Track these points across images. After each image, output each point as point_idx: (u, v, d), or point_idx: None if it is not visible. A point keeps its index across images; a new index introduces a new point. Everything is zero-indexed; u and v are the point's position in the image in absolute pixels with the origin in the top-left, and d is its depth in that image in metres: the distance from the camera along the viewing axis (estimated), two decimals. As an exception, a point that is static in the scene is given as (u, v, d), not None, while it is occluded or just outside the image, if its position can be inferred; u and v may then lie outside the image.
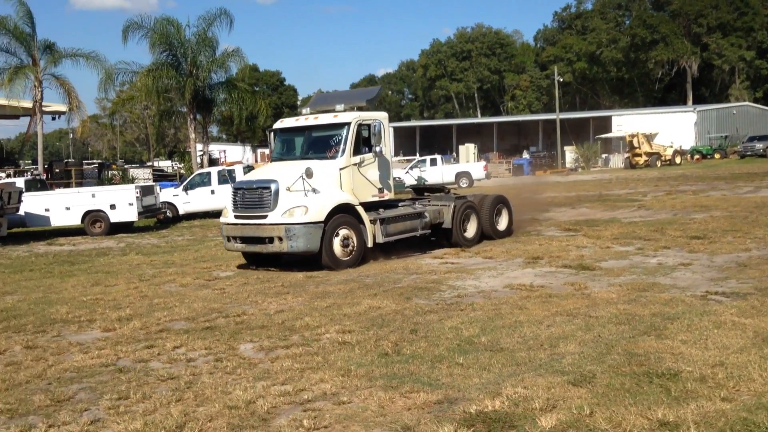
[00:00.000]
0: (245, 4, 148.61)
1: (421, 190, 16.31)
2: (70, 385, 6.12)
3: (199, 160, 33.79)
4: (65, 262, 15.55)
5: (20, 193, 21.24)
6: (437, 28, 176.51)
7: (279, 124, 14.16)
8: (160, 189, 25.41)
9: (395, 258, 13.04)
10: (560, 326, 7.18)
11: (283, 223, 12.01)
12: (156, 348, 7.26)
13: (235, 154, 56.43)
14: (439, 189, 16.10)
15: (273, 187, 12.27)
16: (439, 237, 14.37)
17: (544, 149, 66.34)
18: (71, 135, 67.16)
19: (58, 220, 22.03)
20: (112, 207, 21.68)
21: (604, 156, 59.66)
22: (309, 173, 12.12)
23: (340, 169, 12.70)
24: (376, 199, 13.29)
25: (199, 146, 34.74)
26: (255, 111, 34.67)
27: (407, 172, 38.17)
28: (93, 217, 21.80)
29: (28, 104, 32.13)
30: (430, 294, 9.46)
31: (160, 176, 41.74)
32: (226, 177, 25.15)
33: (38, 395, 5.79)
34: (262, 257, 12.85)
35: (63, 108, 34.53)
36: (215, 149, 50.56)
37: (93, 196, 22.27)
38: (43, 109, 32.78)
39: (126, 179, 38.94)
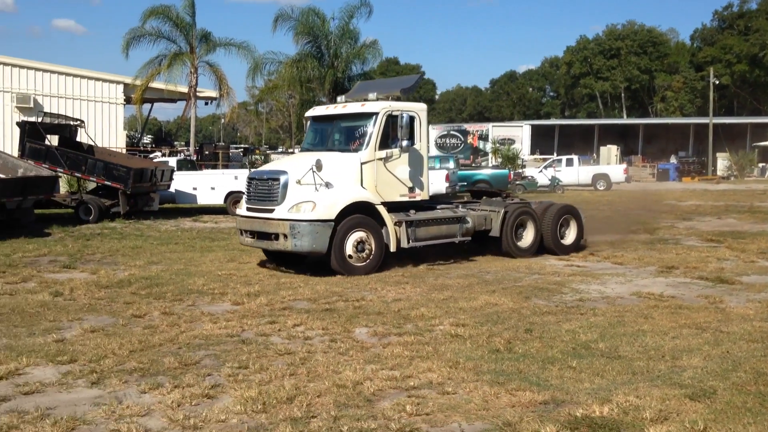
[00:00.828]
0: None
1: (480, 193, 14.98)
2: (198, 351, 6.55)
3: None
4: (206, 238, 16.59)
5: (172, 171, 22.87)
6: (585, 25, 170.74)
7: (310, 112, 13.19)
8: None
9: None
10: (686, 339, 6.80)
11: (288, 219, 10.91)
12: (277, 324, 7.61)
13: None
14: (497, 193, 14.64)
15: (282, 179, 11.23)
16: (489, 245, 13.11)
17: (693, 155, 62.46)
18: (222, 120, 71.31)
19: (203, 199, 23.53)
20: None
21: (761, 165, 55.27)
22: (319, 165, 10.99)
23: (362, 163, 11.45)
24: (406, 199, 11.94)
25: (337, 135, 35.79)
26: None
27: (540, 171, 37.32)
28: (235, 197, 23.04)
29: (185, 89, 34.43)
30: (551, 295, 9.25)
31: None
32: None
33: (168, 358, 6.25)
34: (283, 255, 11.80)
35: (215, 94, 36.73)
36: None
37: (236, 178, 23.55)
38: (197, 94, 35.02)
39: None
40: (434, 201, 13.32)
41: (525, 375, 5.72)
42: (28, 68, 30.47)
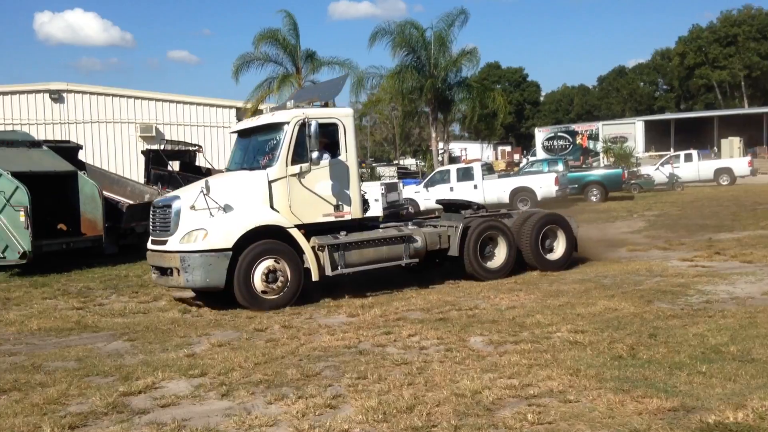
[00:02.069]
0: (486, 2, 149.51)
1: (452, 206, 12.99)
2: (318, 362, 6.75)
3: (440, 158, 34.87)
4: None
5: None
6: (696, 13, 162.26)
7: (233, 126, 11.85)
8: (403, 186, 26.71)
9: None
10: (830, 341, 6.31)
11: (179, 251, 9.74)
12: (393, 334, 7.70)
13: (476, 151, 57.26)
14: (467, 205, 12.63)
15: (174, 205, 10.08)
16: (454, 266, 11.57)
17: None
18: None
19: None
20: (361, 203, 23.23)
21: None
22: (208, 187, 9.78)
23: (271, 181, 10.15)
24: (331, 219, 10.51)
25: (441, 144, 35.84)
26: (494, 108, 34.89)
27: (657, 168, 35.73)
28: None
29: (292, 109, 35.57)
30: (675, 298, 8.84)
31: (405, 174, 43.84)
32: (464, 174, 25.73)
33: (291, 369, 6.47)
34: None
35: (320, 112, 37.73)
36: (456, 147, 51.78)
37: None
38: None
39: (373, 176, 41.47)
40: (374, 220, 12.22)
41: (651, 381, 5.50)
42: (149, 99, 32.55)
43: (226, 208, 9.90)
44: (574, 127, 57.87)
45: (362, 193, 11.12)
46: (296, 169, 10.24)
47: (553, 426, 4.74)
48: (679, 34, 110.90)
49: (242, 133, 11.59)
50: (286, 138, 10.28)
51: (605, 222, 20.04)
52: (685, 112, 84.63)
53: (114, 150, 31.11)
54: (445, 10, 31.74)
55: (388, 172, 45.28)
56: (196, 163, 23.98)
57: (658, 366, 5.90)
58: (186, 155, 23.61)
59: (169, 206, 10.18)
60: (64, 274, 14.33)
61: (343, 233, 10.48)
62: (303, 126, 10.18)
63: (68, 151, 18.26)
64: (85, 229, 16.16)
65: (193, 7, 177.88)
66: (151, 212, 10.78)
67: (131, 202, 17.85)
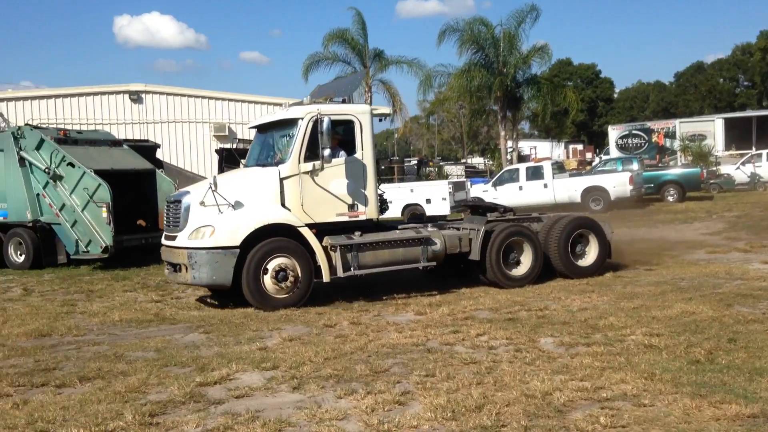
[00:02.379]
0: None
1: (479, 208, 12.57)
2: (386, 359, 6.80)
3: (508, 156, 34.48)
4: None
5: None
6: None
7: (253, 122, 11.84)
8: (471, 185, 26.57)
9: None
10: None
11: (186, 247, 9.73)
12: (461, 333, 7.69)
13: (546, 150, 56.32)
14: (493, 208, 12.18)
15: (184, 201, 10.02)
16: (476, 271, 11.05)
17: None
18: (395, 135, 73.36)
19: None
20: (428, 201, 23.29)
21: None
22: (215, 183, 9.75)
23: (283, 178, 9.95)
24: (345, 219, 10.27)
25: (510, 143, 35.44)
26: (566, 106, 34.24)
27: (738, 167, 34.32)
28: (411, 210, 23.63)
29: (360, 108, 35.87)
30: (756, 302, 8.51)
31: (472, 173, 43.59)
32: (534, 173, 25.37)
33: (360, 365, 6.55)
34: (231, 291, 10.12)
35: (388, 110, 37.93)
36: (525, 146, 51.06)
37: (411, 190, 24.16)
38: (372, 112, 36.37)
39: (441, 175, 41.37)
40: (420, 220, 12.01)
41: (730, 387, 5.31)
42: (222, 99, 33.45)
43: (236, 205, 9.80)
44: (650, 124, 56.07)
45: (380, 192, 10.90)
46: (309, 166, 10.01)
47: (627, 430, 4.65)
48: (761, 28, 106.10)
49: (260, 129, 11.44)
50: (299, 134, 10.07)
51: (683, 223, 19.41)
52: (767, 110, 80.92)
53: (189, 148, 32.13)
54: (515, 6, 31.54)
55: (456, 171, 45.11)
56: (267, 162, 24.51)
57: (738, 371, 5.70)
58: (257, 154, 24.12)
59: (180, 201, 10.14)
60: (143, 268, 14.92)
61: (357, 233, 10.23)
62: (317, 123, 9.92)
63: (147, 149, 18.95)
64: (162, 225, 16.72)
65: (264, 9, 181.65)
66: (165, 207, 10.81)
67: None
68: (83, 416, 5.32)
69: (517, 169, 26.96)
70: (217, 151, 23.41)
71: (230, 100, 33.54)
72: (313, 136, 9.99)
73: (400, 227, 11.06)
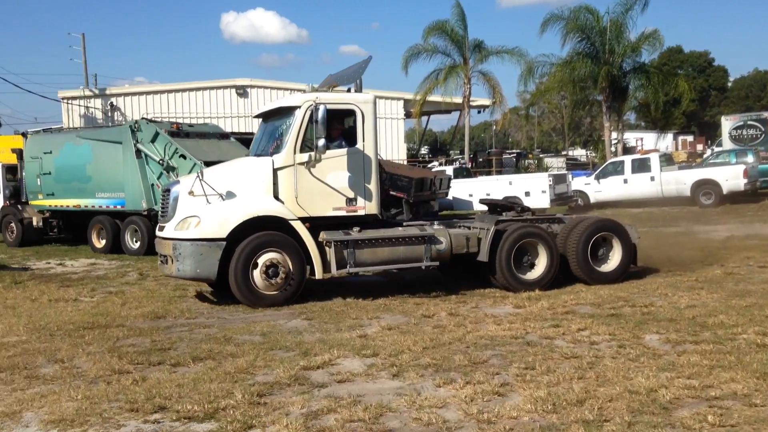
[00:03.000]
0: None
1: (495, 207, 11.92)
2: (485, 350, 6.81)
3: (613, 148, 33.39)
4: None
5: (449, 179, 23.88)
6: None
7: (259, 110, 11.34)
8: (572, 177, 25.92)
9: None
10: None
11: (171, 238, 9.46)
12: (561, 328, 7.58)
13: (652, 141, 54.11)
14: (510, 207, 11.48)
15: (173, 190, 9.80)
16: (486, 274, 10.34)
17: None
18: (494, 127, 72.52)
19: (479, 205, 24.15)
20: (527, 194, 22.93)
21: None
22: (202, 172, 9.56)
23: (276, 168, 9.55)
24: (342, 213, 9.80)
25: (614, 134, 34.30)
26: (676, 96, 32.78)
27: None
28: (509, 202, 23.32)
29: (459, 100, 35.75)
30: None
31: (574, 165, 42.47)
32: (640, 166, 24.48)
33: (458, 355, 6.59)
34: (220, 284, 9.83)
35: (487, 102, 37.60)
36: (631, 137, 49.25)
37: (510, 183, 23.85)
38: (471, 103, 36.13)
39: (541, 168, 40.59)
40: (433, 216, 11.33)
41: None
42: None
43: (228, 196, 9.50)
44: (767, 114, 52.85)
45: (385, 186, 10.49)
46: (305, 157, 9.57)
47: (736, 429, 4.48)
48: None
49: (263, 118, 11.11)
50: (296, 123, 9.66)
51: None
52: None
53: (291, 141, 33.00)
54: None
55: (556, 163, 44.14)
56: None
57: None
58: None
59: (169, 191, 10.02)
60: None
61: (356, 229, 9.78)
62: (317, 111, 9.39)
63: (251, 142, 19.65)
64: None
65: (364, 2, 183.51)
66: (161, 197, 10.67)
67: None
68: (197, 393, 5.65)
69: (622, 162, 26.10)
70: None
71: (330, 93, 34.21)
72: (310, 126, 9.56)
73: (404, 224, 10.59)
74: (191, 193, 9.53)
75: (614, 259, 10.52)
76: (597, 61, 30.86)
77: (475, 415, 4.97)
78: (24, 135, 20.95)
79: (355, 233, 9.70)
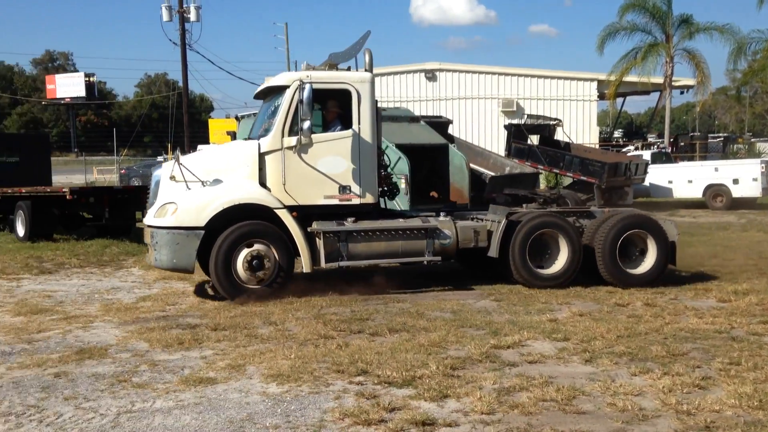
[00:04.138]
0: None
1: (516, 198, 10.94)
2: (684, 343, 6.55)
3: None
4: (685, 233, 16.00)
5: (646, 165, 22.68)
6: None
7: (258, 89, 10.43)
8: (791, 163, 23.49)
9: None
10: None
11: (149, 225, 8.86)
12: (772, 325, 7.07)
13: None
14: (532, 198, 10.46)
15: (155, 174, 9.27)
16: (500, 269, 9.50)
17: None
18: (696, 108, 67.33)
19: (680, 192, 22.75)
20: (735, 182, 21.21)
21: None
22: (178, 156, 8.84)
23: (263, 153, 8.84)
24: (335, 202, 9.03)
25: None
26: None
27: None
28: (714, 191, 21.74)
29: (659, 80, 33.61)
30: None
31: (791, 150, 38.27)
32: None
33: (655, 346, 6.40)
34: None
35: (691, 82, 34.95)
36: None
37: (716, 170, 22.17)
38: (672, 84, 33.83)
39: (752, 154, 37.09)
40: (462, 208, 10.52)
41: None
42: (510, 75, 33.78)
43: (210, 182, 8.91)
44: None
45: (389, 173, 10.01)
46: (294, 141, 8.91)
47: None
48: None
49: (260, 98, 10.51)
50: (284, 104, 8.99)
51: None
52: None
53: (478, 124, 33.10)
54: None
55: (770, 149, 40.12)
56: (555, 137, 24.31)
57: None
58: (546, 129, 24.04)
59: (151, 176, 9.77)
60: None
61: (350, 220, 9.14)
62: (306, 91, 8.73)
63: (440, 125, 19.98)
64: (453, 197, 17.62)
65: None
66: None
67: (493, 173, 18.90)
68: (394, 362, 6.03)
69: None
70: (505, 126, 23.83)
71: (518, 75, 33.71)
72: (300, 107, 8.80)
73: (408, 215, 9.97)
74: (172, 177, 9.04)
75: (648, 260, 9.51)
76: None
77: (674, 405, 4.85)
78: (237, 118, 22.98)
79: (349, 224, 9.13)
